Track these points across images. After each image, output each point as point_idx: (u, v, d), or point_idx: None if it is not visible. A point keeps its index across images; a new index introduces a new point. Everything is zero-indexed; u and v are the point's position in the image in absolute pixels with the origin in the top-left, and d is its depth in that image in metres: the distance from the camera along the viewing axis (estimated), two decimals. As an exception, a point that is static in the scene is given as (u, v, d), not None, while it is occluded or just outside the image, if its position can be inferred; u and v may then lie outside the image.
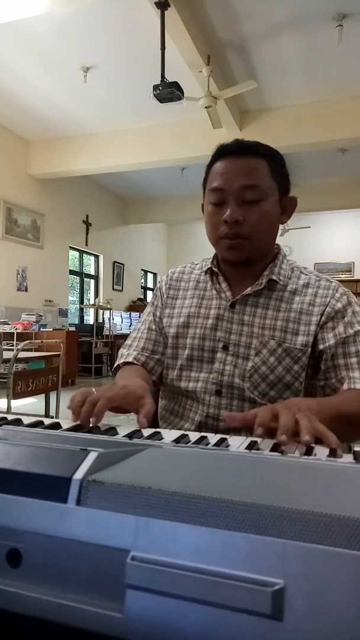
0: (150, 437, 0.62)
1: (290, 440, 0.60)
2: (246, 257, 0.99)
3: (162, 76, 4.34)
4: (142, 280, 12.06)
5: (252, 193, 0.94)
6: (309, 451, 0.57)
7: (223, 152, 0.98)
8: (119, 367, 1.09)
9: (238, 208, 0.94)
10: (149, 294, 12.03)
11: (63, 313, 8.33)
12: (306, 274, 1.05)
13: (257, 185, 0.94)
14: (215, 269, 1.06)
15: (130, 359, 1.07)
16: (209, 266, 1.07)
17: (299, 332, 0.97)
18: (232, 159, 0.96)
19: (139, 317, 1.20)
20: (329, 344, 0.96)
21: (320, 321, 0.97)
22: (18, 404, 4.51)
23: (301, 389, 0.98)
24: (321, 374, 0.98)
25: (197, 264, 1.15)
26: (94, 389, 0.75)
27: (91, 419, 0.70)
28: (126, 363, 1.07)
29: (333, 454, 0.56)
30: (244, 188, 0.94)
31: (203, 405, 1.00)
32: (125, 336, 1.22)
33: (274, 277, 1.00)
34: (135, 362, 1.06)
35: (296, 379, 0.97)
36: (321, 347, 0.96)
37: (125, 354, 1.09)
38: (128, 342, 1.13)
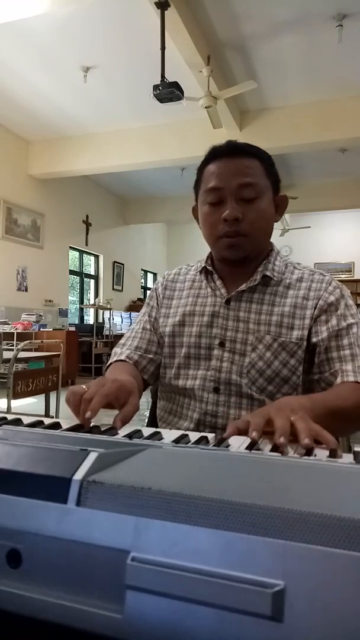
0: (150, 437, 0.62)
1: (288, 442, 0.60)
2: (245, 255, 1.00)
3: (162, 76, 4.34)
4: (142, 280, 12.07)
5: (249, 191, 0.95)
6: (309, 452, 0.57)
7: (216, 153, 0.99)
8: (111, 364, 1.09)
9: (237, 206, 0.95)
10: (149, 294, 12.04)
11: (63, 313, 8.33)
12: (300, 269, 1.06)
13: (254, 183, 0.96)
14: (209, 268, 1.07)
15: (122, 357, 1.07)
16: (204, 265, 1.08)
17: (294, 326, 0.98)
18: (226, 159, 0.97)
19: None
20: (322, 337, 0.96)
21: (314, 315, 0.98)
22: (18, 404, 4.51)
23: (299, 382, 0.98)
24: (315, 367, 0.98)
25: (192, 266, 1.16)
26: (83, 386, 0.74)
27: (87, 413, 0.69)
28: (118, 361, 1.07)
29: (333, 454, 0.56)
30: (241, 186, 0.95)
31: (201, 403, 1.01)
32: (125, 336, 1.21)
33: (267, 273, 1.01)
34: (128, 360, 1.06)
35: (293, 373, 0.97)
36: (314, 340, 0.97)
37: (119, 352, 1.09)
38: (122, 341, 1.13)
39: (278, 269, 1.04)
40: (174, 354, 1.06)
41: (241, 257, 1.00)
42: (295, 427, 0.62)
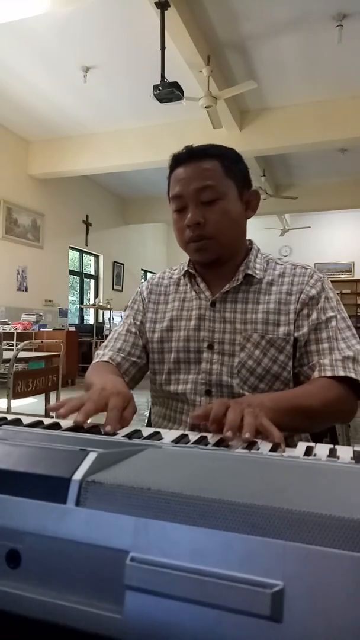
0: (149, 437, 0.62)
1: (235, 436, 0.62)
2: (215, 256, 1.00)
3: (162, 76, 4.33)
4: (142, 280, 12.06)
5: (208, 194, 0.96)
6: (308, 451, 0.57)
7: (176, 161, 1.01)
8: None
9: (198, 210, 0.97)
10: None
11: (63, 313, 8.33)
12: (281, 264, 1.06)
13: (212, 185, 0.96)
14: (192, 271, 1.07)
15: (105, 359, 1.06)
16: (186, 269, 1.09)
17: (280, 322, 0.98)
18: (185, 165, 0.99)
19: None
20: (302, 332, 0.97)
21: (297, 309, 0.99)
22: (18, 404, 4.51)
23: (290, 378, 0.98)
24: (296, 360, 0.99)
25: (175, 269, 1.16)
26: (83, 396, 0.73)
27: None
28: (101, 362, 1.07)
29: (333, 453, 0.56)
30: (200, 190, 0.96)
31: (194, 407, 1.00)
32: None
33: (249, 272, 1.02)
34: (111, 361, 1.06)
35: (284, 369, 0.98)
36: (296, 334, 0.98)
37: (101, 354, 1.09)
38: (105, 343, 1.13)
39: (260, 266, 1.04)
40: (163, 360, 1.06)
41: (212, 259, 1.01)
42: (243, 422, 0.64)
